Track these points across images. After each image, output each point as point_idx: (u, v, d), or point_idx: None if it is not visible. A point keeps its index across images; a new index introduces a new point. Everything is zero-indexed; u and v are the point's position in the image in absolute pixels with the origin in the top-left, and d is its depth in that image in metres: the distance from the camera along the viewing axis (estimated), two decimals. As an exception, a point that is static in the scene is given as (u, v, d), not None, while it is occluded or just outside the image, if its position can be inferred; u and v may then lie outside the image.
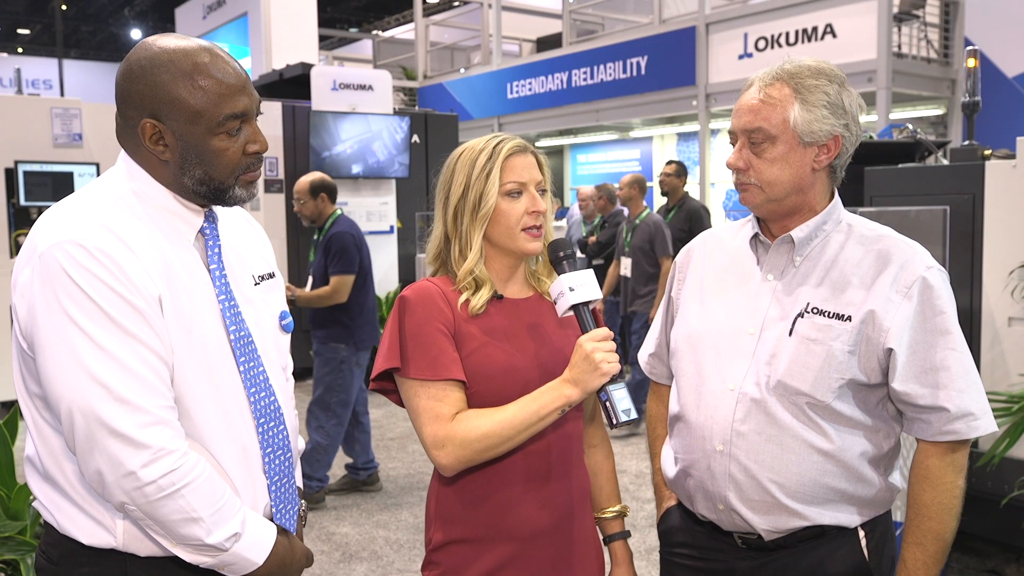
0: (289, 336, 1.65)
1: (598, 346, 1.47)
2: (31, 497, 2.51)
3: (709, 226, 7.00)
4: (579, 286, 1.52)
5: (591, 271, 1.56)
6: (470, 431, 1.48)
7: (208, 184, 1.41)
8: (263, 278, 1.59)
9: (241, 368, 1.45)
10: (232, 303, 1.46)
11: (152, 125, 1.36)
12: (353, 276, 4.53)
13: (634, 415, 1.46)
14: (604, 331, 1.49)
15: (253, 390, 1.46)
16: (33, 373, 1.35)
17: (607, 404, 1.46)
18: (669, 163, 6.92)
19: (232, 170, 1.41)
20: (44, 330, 1.28)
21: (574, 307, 1.52)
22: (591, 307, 1.53)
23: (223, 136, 1.38)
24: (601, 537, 1.77)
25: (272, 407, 1.49)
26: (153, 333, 1.31)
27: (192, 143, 1.37)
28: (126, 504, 1.29)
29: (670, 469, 1.73)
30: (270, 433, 1.48)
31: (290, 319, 1.64)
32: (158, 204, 1.42)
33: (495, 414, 1.50)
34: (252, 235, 1.63)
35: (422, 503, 4.63)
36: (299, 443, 1.67)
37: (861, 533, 1.60)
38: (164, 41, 1.39)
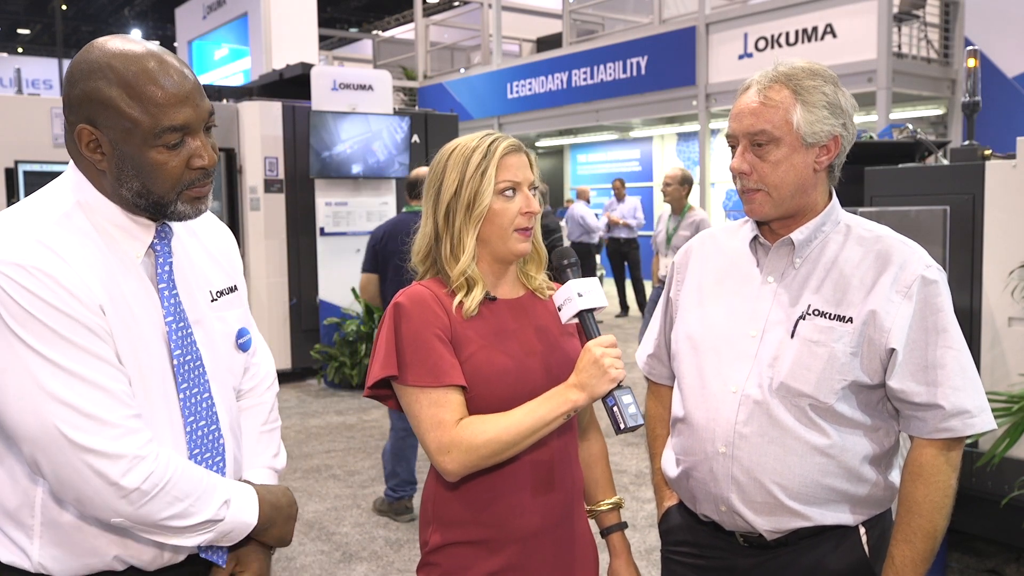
0: (246, 355, 1.58)
1: (607, 351, 1.47)
2: None
3: None
4: (587, 292, 1.52)
5: (596, 279, 1.56)
6: (476, 436, 1.47)
7: (147, 198, 1.33)
8: (221, 293, 1.51)
9: (181, 396, 1.39)
10: (181, 324, 1.40)
11: (88, 131, 1.29)
12: (371, 274, 4.60)
13: (640, 420, 1.46)
14: (611, 337, 1.50)
15: (191, 419, 1.40)
16: None
17: (614, 409, 1.46)
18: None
19: (172, 185, 1.33)
20: None
21: (580, 313, 1.52)
22: (594, 313, 1.53)
23: (160, 149, 1.30)
24: (598, 530, 1.77)
25: (210, 437, 1.43)
26: (104, 345, 1.27)
27: (128, 154, 1.30)
28: (113, 519, 1.26)
29: (671, 470, 1.73)
30: (203, 465, 1.41)
31: (248, 337, 1.57)
32: (104, 217, 1.35)
33: (501, 419, 1.49)
34: (215, 245, 1.55)
35: (422, 503, 4.62)
36: (276, 461, 1.63)
37: (862, 530, 1.60)
38: (111, 44, 1.31)
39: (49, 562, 1.33)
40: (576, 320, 1.54)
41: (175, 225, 1.44)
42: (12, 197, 6.71)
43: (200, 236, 1.52)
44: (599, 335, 1.51)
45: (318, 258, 7.78)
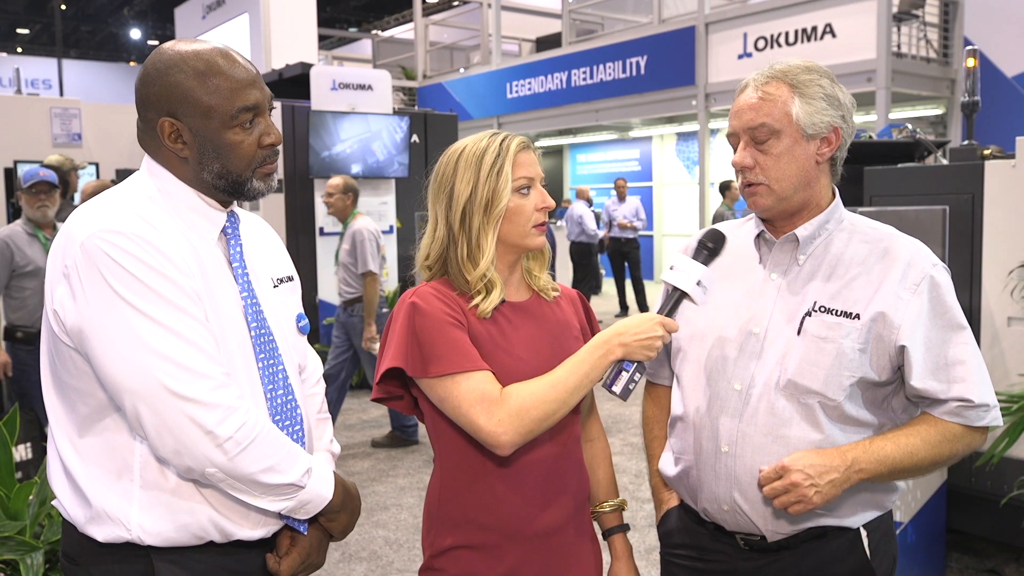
0: (305, 338, 1.69)
1: (664, 336, 1.50)
2: (30, 497, 2.52)
3: None
4: (703, 281, 1.55)
5: (708, 269, 1.58)
6: (525, 400, 1.46)
7: (226, 178, 1.46)
8: (281, 281, 1.63)
9: (260, 364, 1.48)
10: (254, 301, 1.51)
11: (170, 123, 1.42)
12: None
13: (628, 397, 1.49)
14: (676, 325, 1.53)
15: (271, 387, 1.49)
16: (65, 361, 1.38)
17: (622, 374, 1.49)
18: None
19: (248, 163, 1.46)
20: (97, 314, 1.32)
21: (678, 290, 1.55)
22: (682, 296, 1.56)
23: (237, 129, 1.44)
24: (600, 531, 1.76)
25: (288, 406, 1.51)
26: (196, 306, 1.37)
27: (208, 138, 1.43)
28: (207, 470, 1.33)
29: (671, 469, 1.72)
30: (285, 432, 1.48)
31: (306, 322, 1.68)
32: (182, 202, 1.47)
33: (545, 379, 1.49)
34: (271, 241, 1.68)
35: (421, 503, 4.62)
36: (332, 446, 1.71)
37: (863, 533, 1.60)
38: (178, 45, 1.45)
39: (148, 524, 1.39)
40: (670, 288, 1.56)
41: (240, 215, 1.57)
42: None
43: (258, 231, 1.65)
44: (672, 317, 1.53)
45: (317, 258, 7.77)
